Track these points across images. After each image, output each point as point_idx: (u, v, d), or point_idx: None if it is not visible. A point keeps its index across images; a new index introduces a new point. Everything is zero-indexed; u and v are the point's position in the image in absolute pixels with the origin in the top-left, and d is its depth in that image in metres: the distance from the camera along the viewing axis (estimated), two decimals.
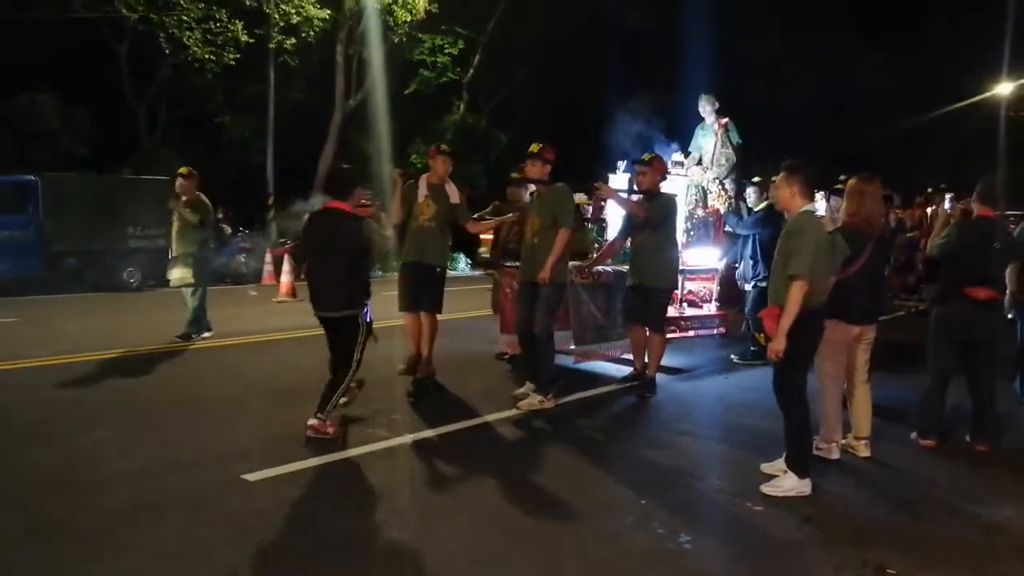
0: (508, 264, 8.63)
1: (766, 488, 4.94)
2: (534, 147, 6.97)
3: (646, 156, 7.70)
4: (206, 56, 19.67)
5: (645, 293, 7.41)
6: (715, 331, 9.60)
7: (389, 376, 7.70)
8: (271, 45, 20.70)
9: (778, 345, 4.77)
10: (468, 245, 9.05)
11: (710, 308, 9.45)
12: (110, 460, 5.23)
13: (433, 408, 6.74)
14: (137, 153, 23.29)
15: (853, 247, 5.38)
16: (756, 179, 9.13)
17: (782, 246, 4.96)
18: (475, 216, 8.17)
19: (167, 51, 20.16)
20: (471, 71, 26.96)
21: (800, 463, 4.92)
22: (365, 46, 22.92)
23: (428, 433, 6.00)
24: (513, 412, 6.72)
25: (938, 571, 3.98)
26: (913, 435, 6.12)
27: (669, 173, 8.13)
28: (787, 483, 4.89)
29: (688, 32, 28.02)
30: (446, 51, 24.72)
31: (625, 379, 7.98)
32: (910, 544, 4.28)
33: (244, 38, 19.89)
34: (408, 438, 5.82)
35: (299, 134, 23.07)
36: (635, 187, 7.70)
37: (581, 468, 5.42)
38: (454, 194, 7.42)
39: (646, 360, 7.71)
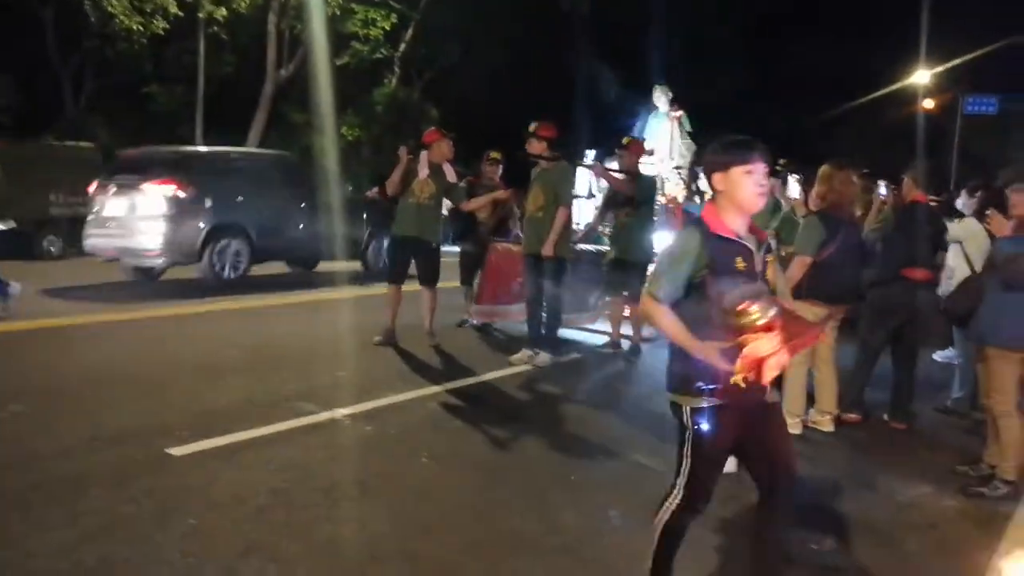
0: (498, 240, 9.14)
1: None
2: (532, 126, 7.54)
3: (625, 140, 8.35)
4: (133, 26, 19.04)
5: (628, 267, 7.96)
6: None
7: (328, 350, 7.68)
8: (201, 15, 20.15)
9: None
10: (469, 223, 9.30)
11: None
12: (27, 435, 5.07)
13: (368, 381, 6.66)
14: (62, 121, 22.50)
15: (829, 230, 5.60)
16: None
17: None
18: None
19: (92, 19, 19.46)
20: (403, 45, 26.66)
21: None
22: (298, 18, 22.51)
23: (359, 407, 5.92)
24: (458, 384, 6.82)
25: (855, 547, 4.11)
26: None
27: (648, 153, 8.77)
28: None
29: (622, 14, 28.24)
30: (378, 24, 24.36)
31: (600, 347, 8.55)
32: (829, 520, 4.40)
33: (173, 8, 19.32)
34: (338, 412, 5.77)
35: (230, 105, 22.58)
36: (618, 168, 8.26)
37: (513, 442, 5.44)
38: (451, 174, 7.99)
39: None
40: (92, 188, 12.43)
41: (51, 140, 18.85)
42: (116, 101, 23.20)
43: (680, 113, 10.63)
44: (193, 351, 7.66)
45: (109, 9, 18.76)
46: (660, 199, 10.05)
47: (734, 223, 3.04)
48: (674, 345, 3.03)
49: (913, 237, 6.13)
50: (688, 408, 3.04)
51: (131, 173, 11.76)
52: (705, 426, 3.01)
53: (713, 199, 3.13)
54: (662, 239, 9.54)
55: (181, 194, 11.30)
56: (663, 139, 10.61)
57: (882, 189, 7.20)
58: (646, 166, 9.75)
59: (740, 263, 2.98)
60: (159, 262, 11.76)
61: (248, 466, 4.71)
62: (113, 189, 11.71)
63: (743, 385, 2.83)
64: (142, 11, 19.29)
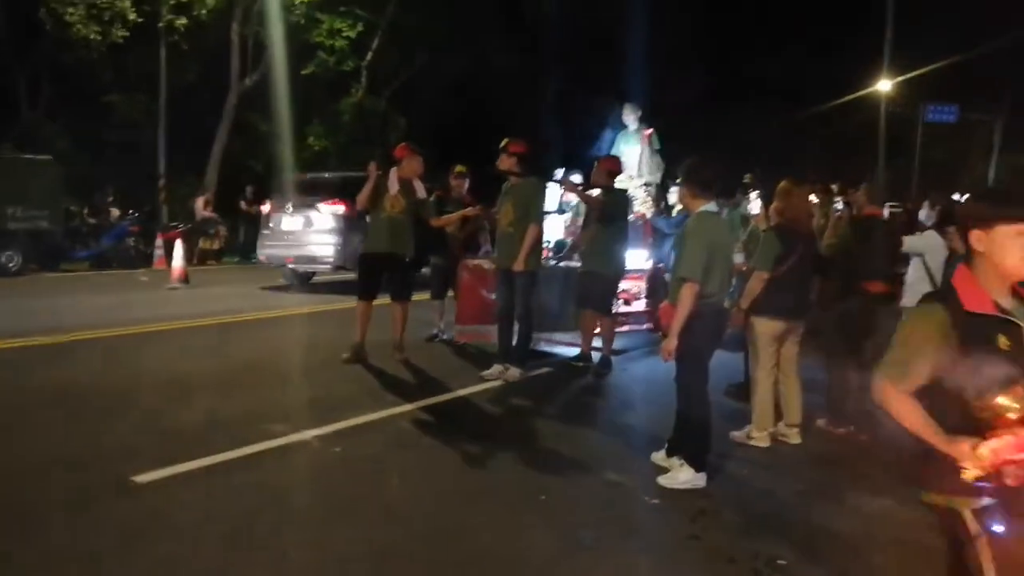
0: (468, 259, 9.22)
1: (663, 480, 5.04)
2: (503, 142, 7.62)
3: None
4: (91, 35, 18.69)
5: (595, 278, 7.99)
6: (643, 326, 10.22)
7: (296, 368, 7.62)
8: (161, 24, 19.87)
9: (669, 345, 4.90)
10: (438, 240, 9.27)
11: (640, 305, 10.18)
12: None
13: (337, 400, 6.60)
14: (19, 128, 22.04)
15: (786, 245, 5.66)
16: (680, 180, 9.67)
17: (678, 246, 5.10)
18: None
19: (47, 27, 19.09)
20: (370, 54, 26.54)
21: (697, 458, 5.03)
22: (261, 26, 22.32)
23: (329, 428, 5.83)
24: (428, 401, 6.76)
25: (823, 562, 4.13)
26: (821, 422, 6.38)
27: (620, 171, 8.75)
28: (683, 475, 5.00)
29: (589, 18, 28.37)
30: (344, 34, 24.21)
31: (572, 359, 8.44)
32: (799, 535, 4.42)
33: (132, 16, 19.00)
34: (307, 433, 5.69)
35: (192, 115, 22.26)
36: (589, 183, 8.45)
37: (484, 461, 5.43)
38: (421, 190, 8.06)
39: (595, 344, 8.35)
40: (265, 207, 15.24)
41: (8, 149, 18.43)
42: (75, 109, 22.70)
43: (651, 131, 10.79)
44: (159, 369, 7.53)
45: (66, 18, 18.41)
46: (630, 217, 10.16)
47: (995, 292, 2.44)
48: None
49: (870, 251, 6.24)
50: (969, 512, 2.36)
51: (305, 195, 14.22)
52: (1003, 528, 2.30)
53: (968, 261, 2.50)
54: (635, 255, 9.66)
55: (349, 213, 13.08)
56: (632, 156, 10.74)
57: (838, 204, 7.31)
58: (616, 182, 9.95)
59: (1003, 342, 2.36)
60: (329, 268, 13.96)
61: (215, 491, 4.63)
62: (289, 208, 14.12)
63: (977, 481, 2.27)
64: (100, 19, 18.93)
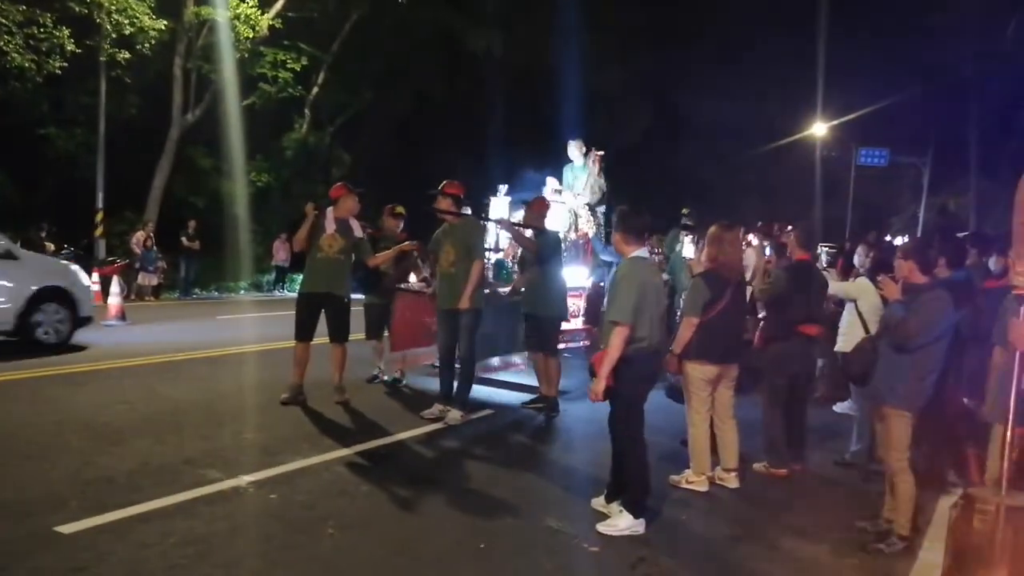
0: (402, 288, 9.19)
1: (602, 527, 5.04)
2: (441, 185, 7.70)
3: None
4: (27, 64, 18.29)
5: (538, 322, 8.06)
6: (581, 343, 10.33)
7: (232, 410, 7.50)
8: (102, 57, 19.54)
9: (597, 387, 4.93)
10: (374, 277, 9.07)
11: (577, 323, 10.25)
12: None
13: (274, 444, 6.48)
14: None
15: (714, 291, 5.74)
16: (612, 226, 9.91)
17: (610, 291, 5.17)
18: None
19: None
20: (315, 89, 26.49)
21: (635, 503, 5.05)
22: (204, 60, 22.16)
23: (265, 473, 5.72)
24: (366, 445, 6.67)
25: None
26: (758, 465, 6.46)
27: (548, 208, 8.76)
28: (622, 522, 5.01)
29: (532, 58, 28.75)
30: (288, 66, 24.13)
31: (528, 403, 8.47)
32: None
33: (71, 46, 18.64)
34: (242, 479, 5.58)
35: (133, 149, 21.89)
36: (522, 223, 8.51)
37: (423, 508, 5.36)
38: (358, 229, 8.01)
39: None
40: None
41: None
42: (9, 141, 22.12)
43: (601, 153, 11.16)
44: (90, 411, 7.30)
45: (2, 46, 17.98)
46: (572, 235, 10.53)
47: None
48: None
49: (806, 295, 6.37)
50: None
51: None
52: None
53: None
54: (575, 272, 9.89)
55: None
56: (580, 182, 11.05)
57: (767, 251, 7.42)
58: (558, 205, 10.25)
59: None
60: None
61: (145, 541, 4.49)
62: None
63: None
64: (37, 49, 18.53)
